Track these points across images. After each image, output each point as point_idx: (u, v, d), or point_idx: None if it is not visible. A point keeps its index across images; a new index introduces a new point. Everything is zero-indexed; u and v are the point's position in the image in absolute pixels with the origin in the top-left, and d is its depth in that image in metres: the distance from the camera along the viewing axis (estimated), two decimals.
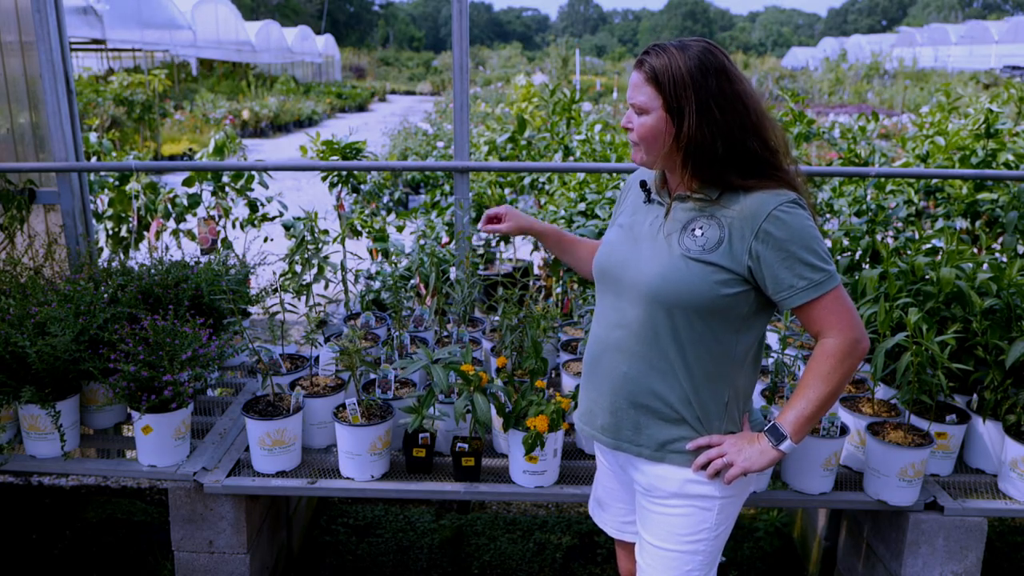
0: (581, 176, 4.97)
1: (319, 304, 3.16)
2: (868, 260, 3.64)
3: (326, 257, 3.50)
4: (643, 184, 1.83)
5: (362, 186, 4.51)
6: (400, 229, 4.76)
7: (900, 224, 4.16)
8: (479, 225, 2.17)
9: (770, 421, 1.76)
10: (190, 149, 14.23)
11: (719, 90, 1.62)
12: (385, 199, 7.21)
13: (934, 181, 4.58)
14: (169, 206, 4.17)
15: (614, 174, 4.67)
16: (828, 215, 4.24)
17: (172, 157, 13.70)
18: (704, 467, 1.73)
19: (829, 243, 3.77)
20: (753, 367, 1.80)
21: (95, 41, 18.43)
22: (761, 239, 1.61)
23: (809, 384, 1.69)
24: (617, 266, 1.78)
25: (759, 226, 1.61)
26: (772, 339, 3.04)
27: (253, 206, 4.30)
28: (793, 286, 1.62)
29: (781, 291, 1.64)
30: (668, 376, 1.72)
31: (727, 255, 1.64)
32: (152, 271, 3.10)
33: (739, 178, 1.65)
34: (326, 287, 3.74)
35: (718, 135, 1.61)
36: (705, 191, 1.69)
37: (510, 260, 5.07)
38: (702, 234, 1.67)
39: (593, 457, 2.62)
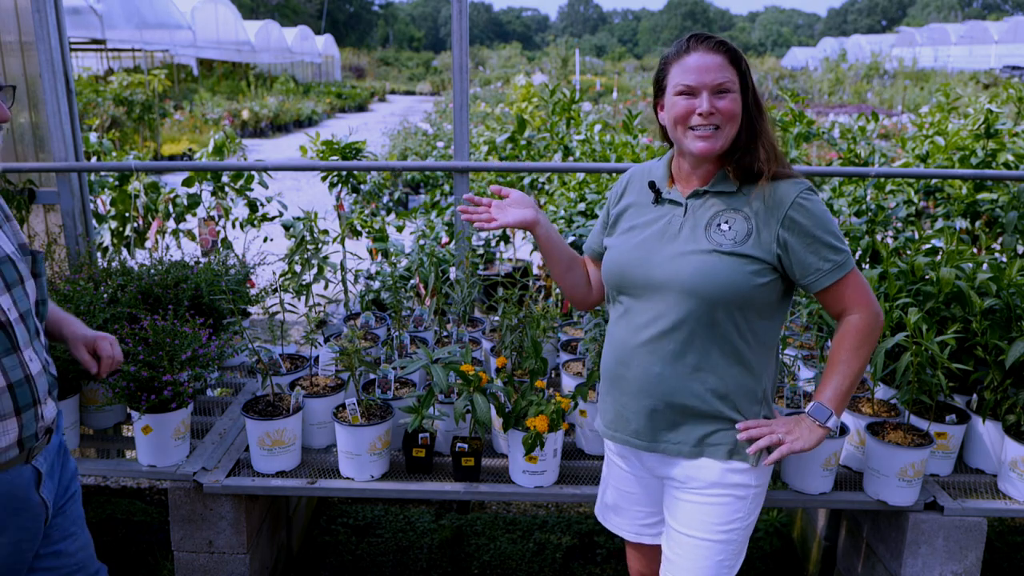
0: (581, 176, 4.97)
1: (319, 304, 3.16)
2: (868, 260, 3.64)
3: (326, 257, 3.50)
4: (652, 185, 1.84)
5: (362, 186, 4.51)
6: (400, 229, 4.76)
7: (900, 224, 4.16)
8: (462, 210, 1.90)
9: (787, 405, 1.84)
10: (190, 149, 14.24)
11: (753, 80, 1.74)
12: (385, 199, 7.21)
13: (934, 181, 4.58)
14: (169, 206, 4.17)
15: (614, 174, 4.66)
16: None
17: (172, 157, 13.70)
18: (750, 444, 1.75)
19: None
20: (776, 358, 1.85)
21: (95, 41, 18.43)
22: (787, 227, 1.68)
23: (842, 359, 1.75)
24: (639, 267, 1.77)
25: (784, 214, 1.68)
26: None
27: (253, 206, 4.30)
28: (820, 269, 1.70)
29: (809, 275, 1.70)
30: (703, 371, 1.74)
31: (757, 246, 1.69)
32: (152, 271, 3.10)
33: (764, 162, 1.71)
34: (326, 287, 3.74)
35: (765, 121, 1.73)
36: (725, 184, 1.74)
37: (510, 260, 5.07)
38: (730, 228, 1.71)
39: (593, 457, 2.62)
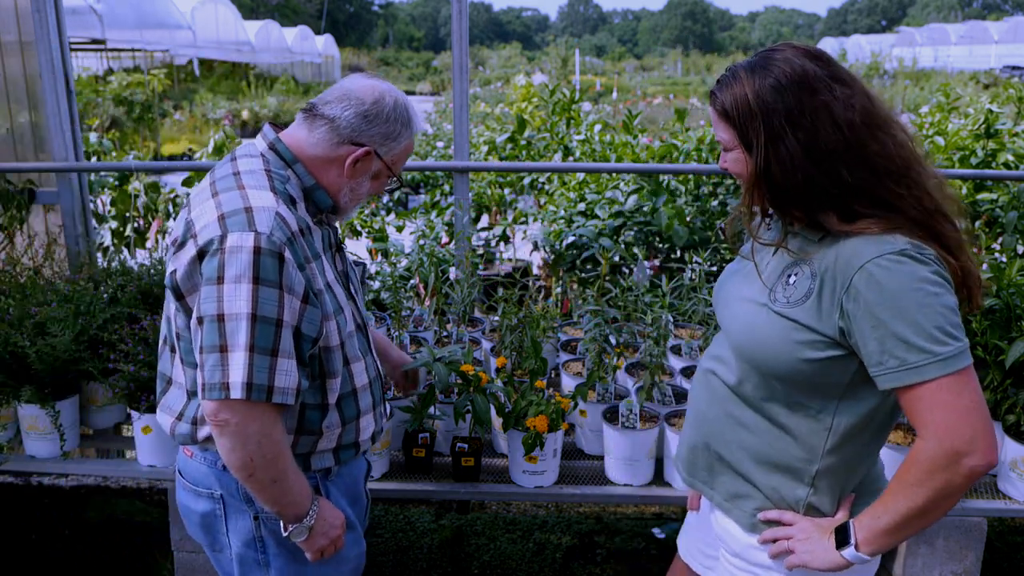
0: (581, 176, 4.97)
1: None
2: None
3: None
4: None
5: None
6: (400, 229, 4.77)
7: None
8: None
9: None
10: (190, 149, 14.23)
11: (798, 107, 1.32)
12: (385, 199, 7.20)
13: None
14: (170, 206, 4.18)
15: (614, 174, 4.67)
16: None
17: (172, 157, 13.70)
18: (772, 541, 1.51)
19: None
20: (867, 443, 1.47)
21: (95, 41, 18.43)
22: (852, 297, 1.31)
23: (892, 490, 1.36)
24: (720, 299, 1.61)
25: (849, 281, 1.31)
26: None
27: None
28: (881, 363, 1.29)
29: (871, 366, 1.32)
30: (742, 431, 1.51)
31: (814, 312, 1.35)
32: (152, 271, 3.10)
33: (838, 219, 1.36)
34: None
35: (796, 165, 1.33)
36: (807, 231, 1.42)
37: (510, 260, 5.07)
38: (793, 283, 1.41)
39: (593, 457, 2.62)
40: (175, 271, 1.51)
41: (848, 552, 1.39)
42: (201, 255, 1.45)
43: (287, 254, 1.45)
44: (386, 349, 2.11)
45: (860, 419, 1.41)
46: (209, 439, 1.58)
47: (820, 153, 1.32)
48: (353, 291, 1.74)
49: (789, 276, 1.42)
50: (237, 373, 1.42)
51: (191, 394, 1.59)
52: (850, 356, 1.36)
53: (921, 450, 1.30)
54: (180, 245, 1.51)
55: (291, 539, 1.60)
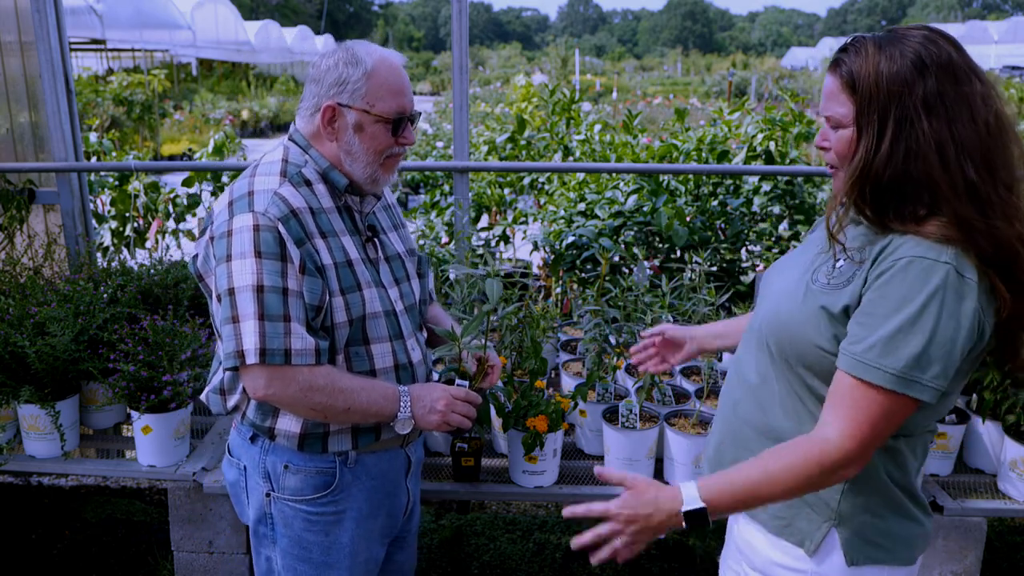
0: (581, 176, 4.97)
1: None
2: None
3: None
4: None
5: None
6: None
7: None
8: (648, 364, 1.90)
9: None
10: (190, 149, 14.24)
11: (937, 93, 1.21)
12: None
13: None
14: (169, 206, 4.18)
15: (614, 174, 4.67)
16: None
17: (172, 157, 13.70)
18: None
19: None
20: (900, 451, 1.36)
21: (95, 41, 18.44)
22: (870, 284, 1.26)
23: (763, 461, 1.31)
24: (762, 283, 1.54)
25: (879, 270, 1.25)
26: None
27: None
28: (847, 342, 1.26)
29: (846, 339, 1.27)
30: (770, 424, 1.43)
31: (848, 300, 1.29)
32: (152, 271, 3.10)
33: (908, 221, 1.25)
34: None
35: (921, 153, 1.22)
36: (874, 227, 1.31)
37: (510, 260, 5.07)
38: (836, 267, 1.34)
39: (593, 457, 2.62)
40: (196, 255, 1.67)
41: (688, 495, 1.29)
42: (213, 239, 1.60)
43: (281, 229, 1.54)
44: (441, 322, 2.07)
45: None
46: (236, 408, 1.71)
47: (951, 146, 1.21)
48: (395, 278, 1.77)
49: (840, 261, 1.33)
50: (249, 340, 1.51)
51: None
52: None
53: (817, 445, 1.25)
54: (203, 232, 1.67)
55: (401, 430, 1.68)
